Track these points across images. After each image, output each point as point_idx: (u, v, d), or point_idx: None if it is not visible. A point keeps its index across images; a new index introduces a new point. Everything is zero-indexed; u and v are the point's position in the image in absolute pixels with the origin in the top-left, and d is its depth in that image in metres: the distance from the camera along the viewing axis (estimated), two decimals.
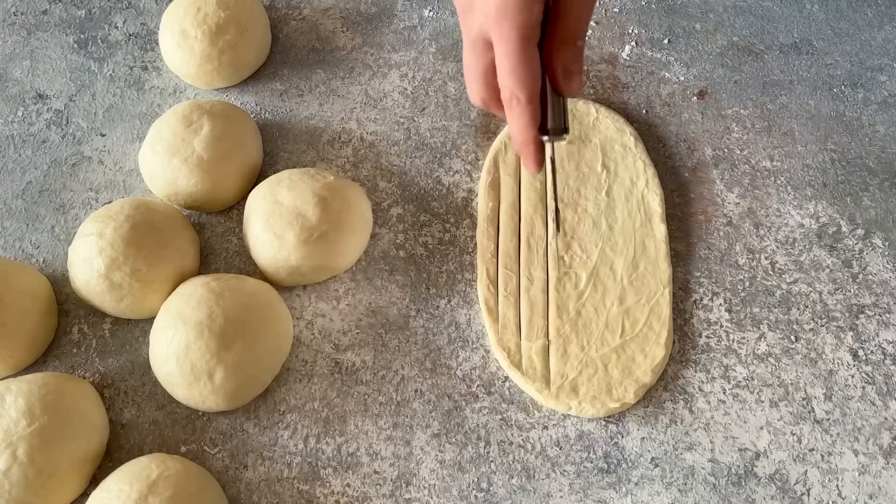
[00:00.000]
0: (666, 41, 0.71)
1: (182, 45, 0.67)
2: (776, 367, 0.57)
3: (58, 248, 0.63)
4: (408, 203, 0.64)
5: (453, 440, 0.55)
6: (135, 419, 0.57)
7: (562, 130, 0.47)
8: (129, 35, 0.74)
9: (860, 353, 0.57)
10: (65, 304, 0.61)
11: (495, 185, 0.63)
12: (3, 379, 0.56)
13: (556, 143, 0.50)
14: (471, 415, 0.56)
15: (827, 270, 0.60)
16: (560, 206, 0.55)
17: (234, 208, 0.65)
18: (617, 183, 0.63)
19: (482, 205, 0.63)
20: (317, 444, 0.55)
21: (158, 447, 0.56)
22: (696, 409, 0.56)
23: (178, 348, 0.54)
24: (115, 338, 0.60)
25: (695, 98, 0.68)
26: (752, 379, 0.57)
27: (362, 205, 0.62)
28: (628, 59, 0.70)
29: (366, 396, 0.57)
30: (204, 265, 0.62)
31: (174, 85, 0.71)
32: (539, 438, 0.55)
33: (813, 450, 0.54)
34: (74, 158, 0.67)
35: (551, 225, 0.55)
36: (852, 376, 0.56)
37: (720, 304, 0.59)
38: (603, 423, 0.55)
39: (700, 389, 0.56)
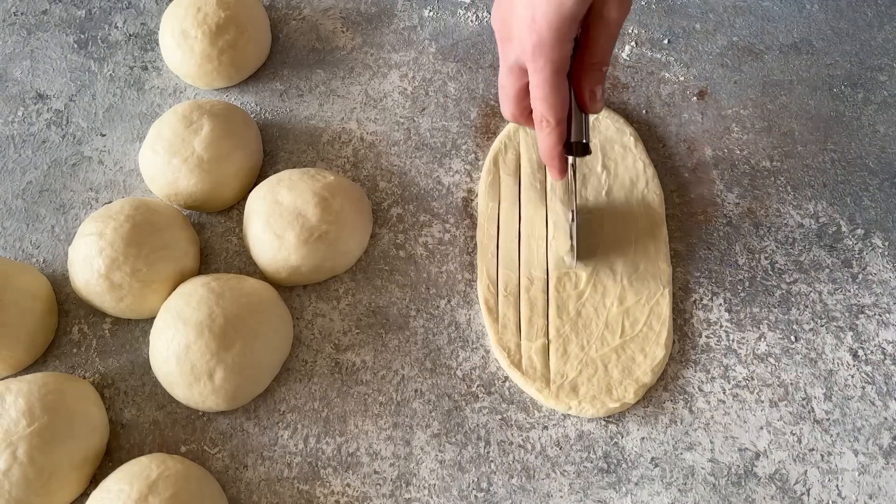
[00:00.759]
0: (666, 41, 0.71)
1: (182, 45, 0.67)
2: (776, 367, 0.57)
3: (58, 248, 0.63)
4: (408, 203, 0.64)
5: (453, 440, 0.55)
6: (135, 419, 0.57)
7: (585, 146, 0.53)
8: (129, 35, 0.74)
9: (860, 353, 0.57)
10: (65, 304, 0.61)
11: (495, 185, 0.63)
12: (3, 379, 0.56)
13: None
14: (471, 415, 0.56)
15: (827, 270, 0.60)
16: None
17: (234, 208, 0.65)
18: (617, 183, 0.63)
19: (482, 205, 0.63)
20: (317, 444, 0.55)
21: (158, 447, 0.56)
22: (696, 409, 0.56)
23: (178, 348, 0.54)
24: (115, 338, 0.60)
25: (695, 98, 0.68)
26: (752, 379, 0.57)
27: (362, 205, 0.62)
28: (628, 59, 0.70)
29: (366, 396, 0.57)
30: (204, 265, 0.62)
31: (174, 85, 0.71)
32: (539, 438, 0.55)
33: (813, 450, 0.54)
34: (74, 158, 0.67)
35: (575, 215, 0.58)
36: (852, 376, 0.56)
37: (720, 304, 0.59)
38: (603, 423, 0.55)
39: (700, 389, 0.56)
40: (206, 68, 0.67)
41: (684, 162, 0.65)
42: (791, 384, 0.56)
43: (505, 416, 0.56)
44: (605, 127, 0.65)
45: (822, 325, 0.58)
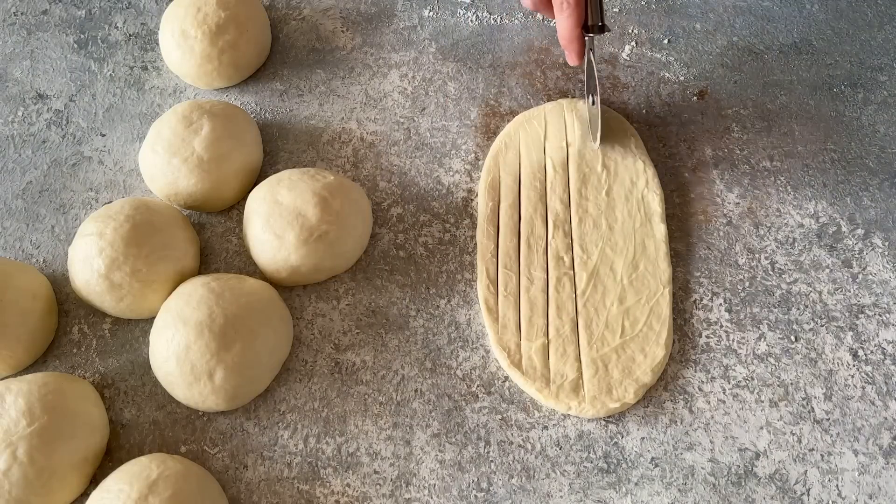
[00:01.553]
0: (666, 41, 0.71)
1: (182, 45, 0.67)
2: (776, 367, 0.57)
3: (58, 248, 0.63)
4: (408, 203, 0.64)
5: (453, 440, 0.55)
6: (135, 419, 0.57)
7: (602, 27, 0.58)
8: (129, 35, 0.74)
9: (860, 353, 0.57)
10: (65, 304, 0.61)
11: (495, 185, 0.63)
12: (3, 379, 0.56)
13: (595, 38, 0.60)
14: (471, 415, 0.56)
15: (827, 270, 0.60)
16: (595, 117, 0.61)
17: (234, 208, 0.65)
18: (617, 183, 0.63)
19: (482, 205, 0.63)
20: (317, 444, 0.55)
21: (158, 447, 0.56)
22: (696, 408, 0.56)
23: (178, 348, 0.54)
24: (115, 338, 0.60)
25: (695, 98, 0.68)
26: (752, 379, 0.57)
27: (362, 205, 0.62)
28: (628, 59, 0.70)
29: (366, 396, 0.57)
30: (204, 265, 0.62)
31: (174, 85, 0.71)
32: (539, 438, 0.55)
33: (813, 450, 0.54)
34: (74, 158, 0.67)
35: (595, 127, 0.60)
36: (852, 376, 0.56)
37: (720, 304, 0.59)
38: (603, 423, 0.55)
39: (700, 389, 0.56)
40: (206, 68, 0.67)
41: (684, 162, 0.65)
42: (791, 384, 0.56)
43: (505, 416, 0.56)
44: (605, 126, 0.65)
45: (822, 325, 0.58)
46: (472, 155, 0.66)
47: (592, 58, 0.60)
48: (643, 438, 0.55)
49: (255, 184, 0.64)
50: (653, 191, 0.62)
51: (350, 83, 0.70)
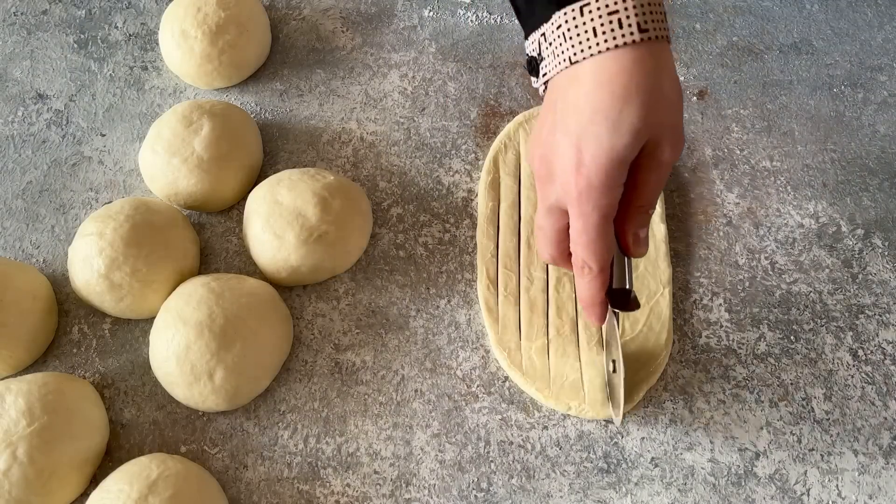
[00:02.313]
0: None
1: (182, 45, 0.67)
2: (776, 367, 0.57)
3: (58, 248, 0.63)
4: (408, 203, 0.64)
5: (453, 440, 0.55)
6: (135, 419, 0.57)
7: (629, 294, 0.49)
8: (129, 35, 0.74)
9: (860, 353, 0.57)
10: (65, 304, 0.61)
11: (495, 185, 0.63)
12: (3, 379, 0.56)
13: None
14: (471, 415, 0.56)
15: (827, 270, 0.60)
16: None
17: (234, 208, 0.65)
18: None
19: (482, 205, 0.63)
20: (317, 444, 0.55)
21: (158, 447, 0.56)
22: (696, 409, 0.56)
23: (178, 348, 0.54)
24: (115, 338, 0.60)
25: (695, 98, 0.68)
26: (752, 379, 0.57)
27: (362, 205, 0.62)
28: None
29: (366, 396, 0.57)
30: (204, 265, 0.62)
31: (174, 85, 0.71)
32: (539, 438, 0.55)
33: (813, 450, 0.54)
34: (74, 158, 0.67)
35: (617, 400, 0.53)
36: (852, 376, 0.56)
37: (720, 304, 0.59)
38: (603, 423, 0.55)
39: (700, 389, 0.56)
40: (206, 68, 0.67)
41: (684, 162, 0.65)
42: (791, 384, 0.56)
43: (505, 416, 0.56)
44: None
45: (822, 325, 0.58)
46: (472, 155, 0.66)
47: (616, 320, 0.52)
48: (643, 438, 0.55)
49: (255, 184, 0.64)
50: None
51: (350, 83, 0.70)
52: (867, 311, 0.59)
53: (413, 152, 0.67)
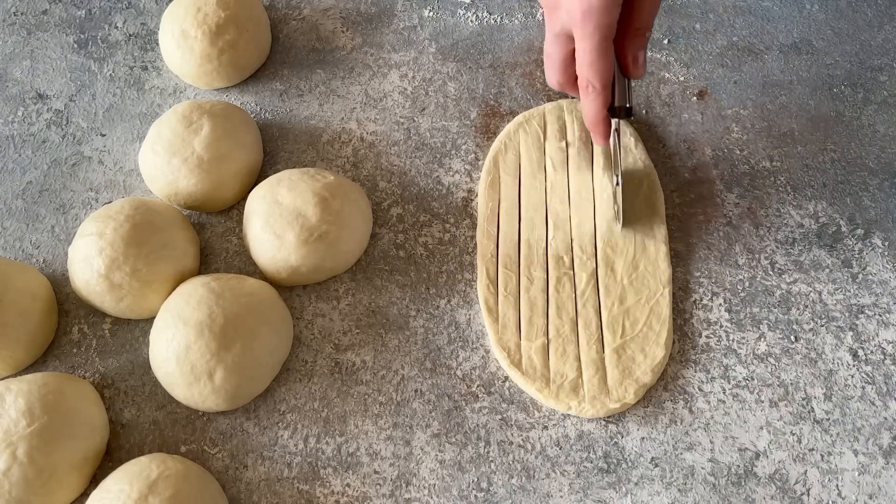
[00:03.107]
0: (666, 41, 0.71)
1: (182, 45, 0.67)
2: (776, 367, 0.57)
3: (58, 248, 0.63)
4: (408, 203, 0.64)
5: (453, 440, 0.55)
6: (135, 419, 0.57)
7: (628, 110, 0.56)
8: (129, 35, 0.74)
9: (860, 353, 0.57)
10: (65, 304, 0.61)
11: (495, 185, 0.63)
12: (3, 379, 0.56)
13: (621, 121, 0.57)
14: (471, 415, 0.56)
15: (827, 270, 0.60)
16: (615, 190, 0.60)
17: (234, 208, 0.65)
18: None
19: (482, 205, 0.63)
20: (317, 444, 0.55)
21: (158, 447, 0.56)
22: (695, 409, 0.56)
23: (178, 348, 0.54)
24: (115, 338, 0.60)
25: (695, 98, 0.68)
26: (752, 379, 0.57)
27: (362, 205, 0.62)
28: None
29: (366, 396, 0.57)
30: (204, 265, 0.62)
31: (174, 85, 0.71)
32: (539, 438, 0.55)
33: (813, 450, 0.54)
34: (74, 158, 0.67)
35: (618, 207, 0.59)
36: (852, 376, 0.56)
37: (720, 304, 0.59)
38: (603, 423, 0.55)
39: (700, 389, 0.56)
40: (206, 68, 0.67)
41: (684, 162, 0.65)
42: (791, 384, 0.56)
43: (505, 416, 0.56)
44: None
45: (822, 325, 0.58)
46: (472, 155, 0.66)
47: (618, 139, 0.58)
48: (643, 438, 0.55)
49: (255, 184, 0.64)
50: (653, 191, 0.62)
51: (350, 83, 0.70)
52: (867, 311, 0.59)
53: (413, 152, 0.67)
